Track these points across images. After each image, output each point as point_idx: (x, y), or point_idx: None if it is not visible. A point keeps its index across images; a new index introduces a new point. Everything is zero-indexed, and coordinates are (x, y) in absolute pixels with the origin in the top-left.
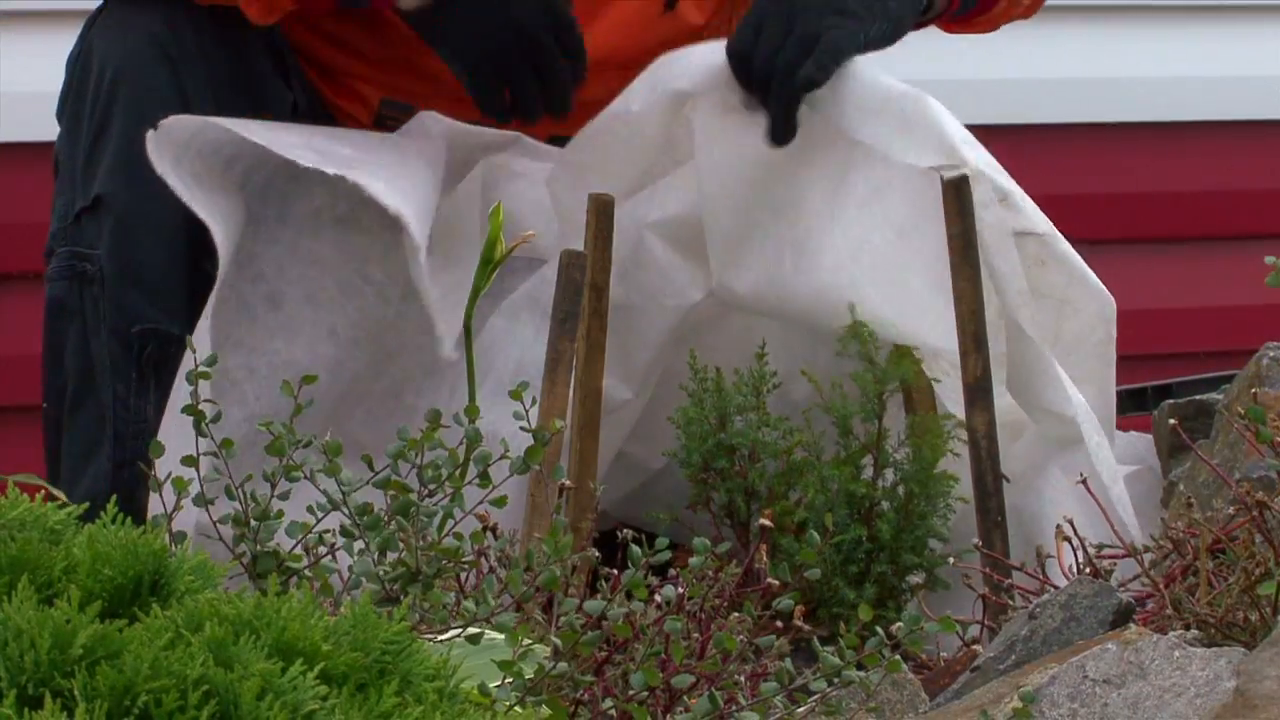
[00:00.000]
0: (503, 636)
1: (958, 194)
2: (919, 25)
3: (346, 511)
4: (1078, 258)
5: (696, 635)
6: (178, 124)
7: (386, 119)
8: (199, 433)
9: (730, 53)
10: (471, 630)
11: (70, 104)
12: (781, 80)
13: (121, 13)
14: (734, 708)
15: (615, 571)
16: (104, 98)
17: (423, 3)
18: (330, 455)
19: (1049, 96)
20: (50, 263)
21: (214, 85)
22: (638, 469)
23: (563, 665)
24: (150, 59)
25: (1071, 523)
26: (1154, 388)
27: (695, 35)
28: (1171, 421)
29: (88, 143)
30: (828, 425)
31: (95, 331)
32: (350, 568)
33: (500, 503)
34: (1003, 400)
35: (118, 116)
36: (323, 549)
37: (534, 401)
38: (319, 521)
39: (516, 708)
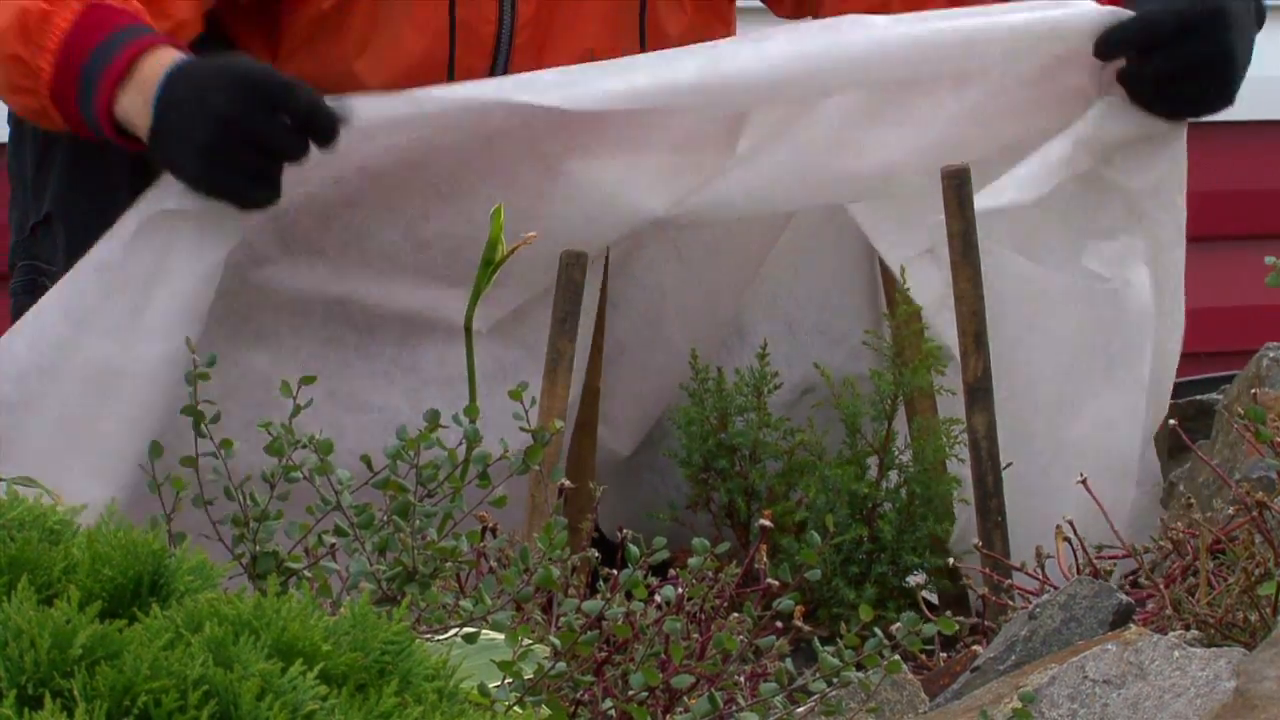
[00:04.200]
0: (502, 636)
1: (958, 189)
2: None
3: (343, 511)
4: None
5: (696, 635)
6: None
7: None
8: (198, 433)
9: (1145, 23)
10: (468, 629)
11: (14, 118)
12: (1190, 103)
13: None
14: (734, 708)
15: (614, 571)
16: None
17: (146, 130)
18: (323, 454)
19: None
20: (13, 275)
21: None
22: (604, 452)
23: (562, 665)
24: None
25: (1071, 523)
26: None
27: None
28: (1171, 422)
29: (34, 158)
30: (832, 425)
31: None
32: (347, 567)
33: (500, 503)
34: None
35: (61, 135)
36: (322, 549)
37: (533, 402)
38: (318, 522)
39: (516, 708)
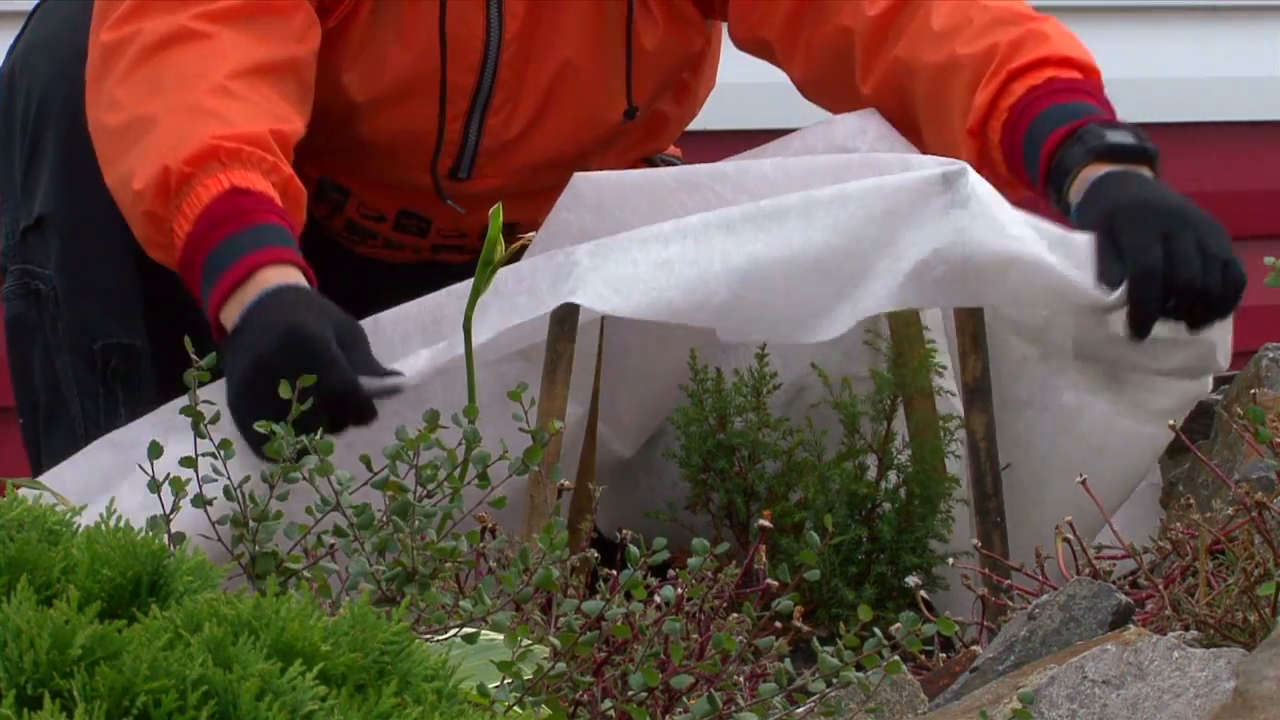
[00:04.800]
0: (502, 637)
1: None
2: None
3: (343, 512)
4: None
5: (696, 636)
6: None
7: (330, 194)
8: (197, 433)
9: (1143, 272)
10: (468, 630)
11: (1, 122)
12: (1210, 307)
13: (47, 31)
14: (733, 708)
15: (614, 572)
16: (34, 119)
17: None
18: (322, 455)
19: None
20: (5, 280)
21: None
22: (606, 451)
23: (561, 666)
24: (79, 78)
25: (1071, 523)
26: None
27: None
28: (1171, 422)
29: (23, 162)
30: (831, 425)
31: (57, 349)
32: (347, 568)
33: (500, 504)
34: None
35: (50, 137)
36: (321, 550)
37: (532, 403)
38: (317, 522)
39: (515, 708)
